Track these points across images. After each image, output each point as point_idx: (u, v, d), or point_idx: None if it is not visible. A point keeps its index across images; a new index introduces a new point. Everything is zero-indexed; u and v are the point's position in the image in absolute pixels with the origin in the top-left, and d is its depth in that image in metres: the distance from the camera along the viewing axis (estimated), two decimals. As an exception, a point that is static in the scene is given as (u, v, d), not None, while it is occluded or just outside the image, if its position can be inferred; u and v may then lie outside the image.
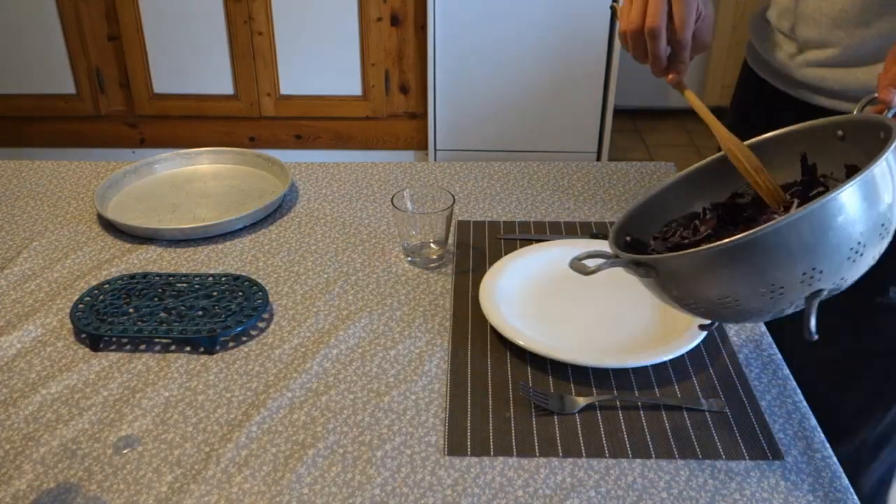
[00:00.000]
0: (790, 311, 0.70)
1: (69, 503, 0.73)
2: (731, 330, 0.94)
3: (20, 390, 0.86)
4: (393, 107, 3.18)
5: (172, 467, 0.76)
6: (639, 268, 0.73)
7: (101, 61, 3.10)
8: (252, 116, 3.19)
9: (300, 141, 3.26)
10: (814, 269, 0.65)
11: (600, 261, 0.74)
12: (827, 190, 0.73)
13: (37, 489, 0.74)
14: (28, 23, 3.02)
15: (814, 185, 0.80)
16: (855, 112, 0.78)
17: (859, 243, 0.65)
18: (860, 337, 1.03)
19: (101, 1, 2.98)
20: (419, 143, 3.27)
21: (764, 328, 0.95)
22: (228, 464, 0.76)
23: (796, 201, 0.75)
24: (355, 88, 3.14)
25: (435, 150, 3.20)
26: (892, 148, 0.66)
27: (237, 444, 0.78)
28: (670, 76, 0.89)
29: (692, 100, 0.87)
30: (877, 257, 0.70)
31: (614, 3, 0.96)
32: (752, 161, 0.80)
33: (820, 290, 0.67)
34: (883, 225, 0.67)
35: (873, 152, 0.67)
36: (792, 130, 0.83)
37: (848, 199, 0.64)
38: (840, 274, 0.67)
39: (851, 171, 0.75)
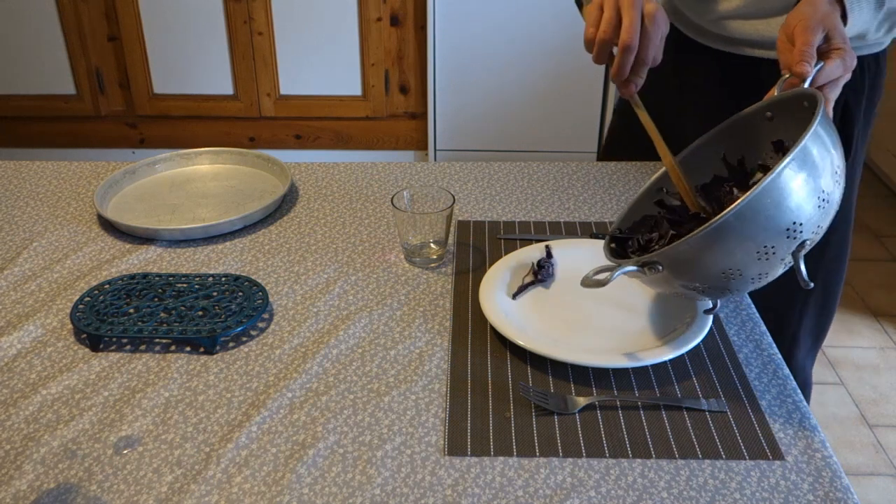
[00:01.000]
0: (781, 269, 0.78)
1: (69, 503, 0.73)
2: (731, 330, 0.94)
3: (20, 391, 0.86)
4: (393, 107, 3.18)
5: (172, 467, 0.76)
6: (646, 268, 0.79)
7: (101, 61, 3.10)
8: (252, 116, 3.20)
9: (300, 141, 3.26)
10: (794, 223, 0.74)
11: (608, 273, 0.79)
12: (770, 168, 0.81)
13: (37, 489, 0.74)
14: (28, 23, 3.02)
15: (746, 176, 0.90)
16: (776, 92, 0.87)
17: (823, 191, 0.75)
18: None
19: (101, 1, 2.98)
20: (419, 143, 3.27)
21: (764, 328, 0.95)
22: (229, 464, 0.76)
23: (759, 174, 0.81)
24: (355, 88, 3.14)
25: (435, 150, 3.20)
26: (822, 106, 0.76)
27: (237, 444, 0.78)
28: (629, 89, 0.93)
29: (643, 117, 0.93)
30: (839, 201, 0.78)
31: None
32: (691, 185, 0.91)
33: (803, 242, 0.75)
34: (836, 172, 0.76)
35: (803, 122, 0.77)
36: (720, 129, 0.93)
37: (806, 155, 0.74)
38: (815, 222, 0.75)
39: (780, 147, 0.88)
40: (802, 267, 0.76)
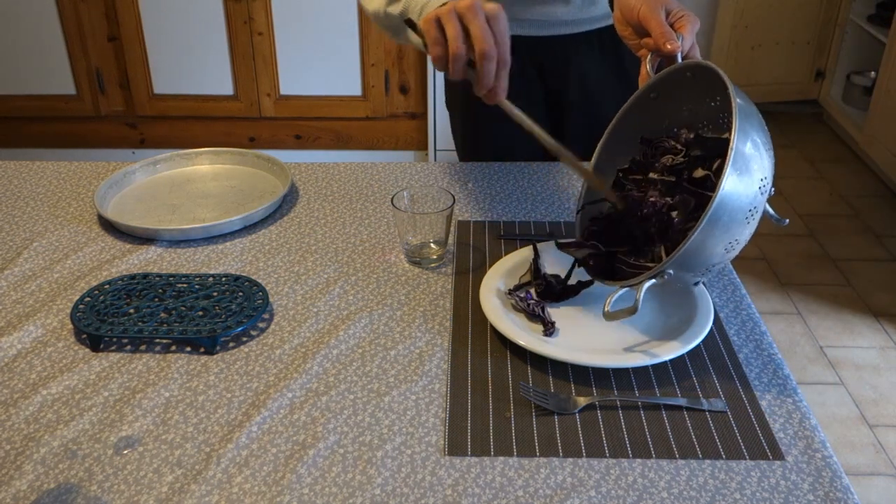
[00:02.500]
0: (759, 218, 0.85)
1: (69, 503, 0.73)
2: (731, 330, 0.94)
3: (21, 391, 0.86)
4: (393, 107, 3.18)
5: (173, 467, 0.76)
6: (660, 277, 0.84)
7: (101, 62, 3.10)
8: (252, 117, 3.20)
9: (300, 141, 3.26)
10: (761, 178, 0.82)
11: (636, 304, 0.83)
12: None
13: (37, 489, 0.74)
14: (28, 23, 3.02)
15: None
16: (650, 74, 0.95)
17: (762, 140, 0.83)
18: None
19: (101, 1, 2.98)
20: (419, 143, 3.27)
21: (764, 328, 0.95)
22: (229, 464, 0.76)
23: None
24: (355, 88, 3.14)
25: (435, 150, 3.20)
26: (731, 85, 0.84)
27: (237, 444, 0.78)
28: (498, 96, 0.93)
29: (521, 119, 0.96)
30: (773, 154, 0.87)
31: (410, 18, 1.00)
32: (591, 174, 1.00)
33: (771, 190, 0.84)
34: (760, 121, 0.85)
35: (691, 93, 0.93)
36: (615, 124, 1.00)
37: (746, 117, 0.82)
38: (769, 168, 0.84)
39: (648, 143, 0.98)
40: (770, 209, 0.86)
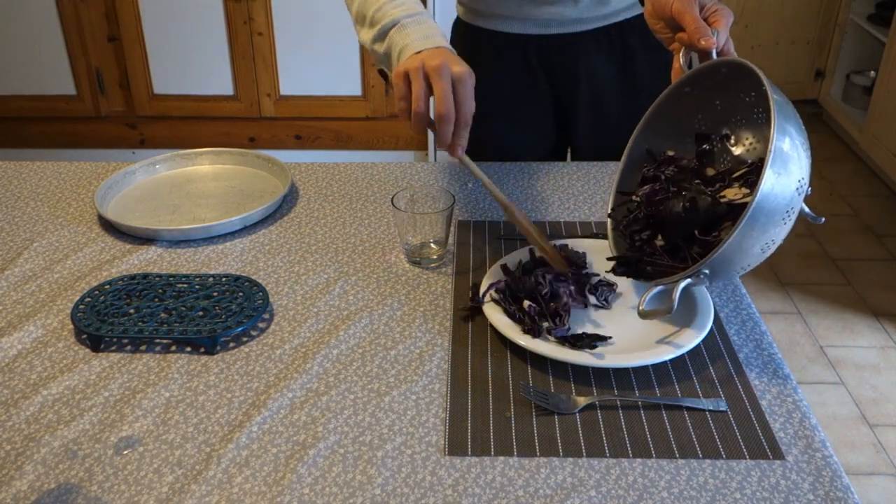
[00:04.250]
0: (795, 218, 0.85)
1: (70, 503, 0.73)
2: (731, 330, 0.94)
3: (21, 391, 0.86)
4: (393, 107, 3.18)
5: (173, 468, 0.76)
6: (696, 277, 0.85)
7: (101, 62, 3.10)
8: (252, 117, 3.20)
9: (300, 141, 3.26)
10: (798, 179, 0.82)
11: (672, 302, 0.84)
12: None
13: (38, 490, 0.74)
14: (28, 23, 3.02)
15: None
16: (684, 68, 0.96)
17: (801, 140, 0.83)
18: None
19: (101, 1, 2.98)
20: (419, 143, 3.27)
21: (764, 328, 0.95)
22: (229, 464, 0.76)
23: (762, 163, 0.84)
24: (355, 88, 3.14)
25: (435, 150, 3.20)
26: (768, 82, 0.84)
27: (238, 444, 0.78)
28: (456, 152, 0.97)
29: (478, 174, 1.01)
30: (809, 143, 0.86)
31: (382, 69, 1.02)
32: (537, 230, 1.01)
33: (808, 189, 0.84)
34: (798, 120, 0.84)
35: (722, 86, 0.93)
36: (648, 117, 1.00)
37: (785, 117, 0.82)
38: (807, 169, 0.83)
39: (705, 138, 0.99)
40: (806, 208, 0.86)
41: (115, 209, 1.20)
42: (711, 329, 0.93)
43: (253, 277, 1.03)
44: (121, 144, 3.29)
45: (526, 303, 0.92)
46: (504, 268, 1.01)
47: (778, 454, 0.77)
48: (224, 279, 1.01)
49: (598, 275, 1.00)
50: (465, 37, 1.40)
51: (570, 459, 0.77)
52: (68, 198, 1.24)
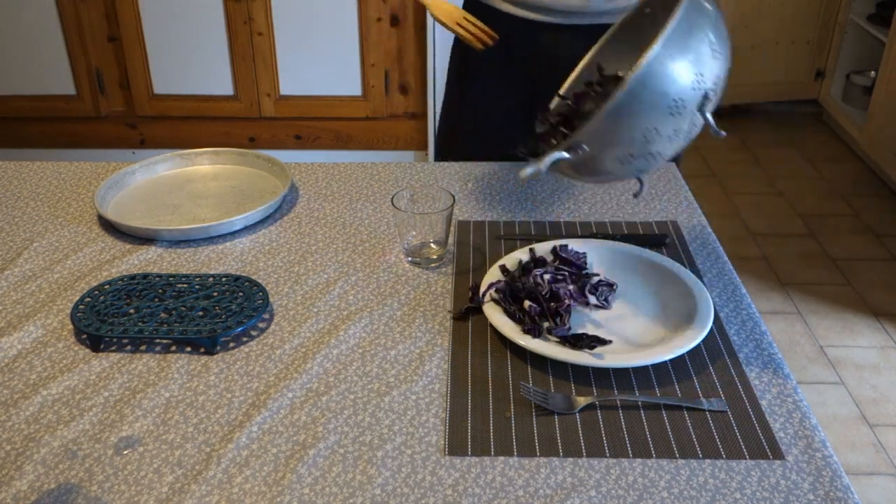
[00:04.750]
0: (696, 130, 0.86)
1: (70, 503, 0.73)
2: (731, 330, 0.94)
3: (21, 391, 0.86)
4: (393, 107, 3.18)
5: (173, 468, 0.76)
6: (572, 151, 0.86)
7: (101, 62, 3.10)
8: (252, 117, 3.19)
9: (300, 141, 3.26)
10: (696, 73, 0.81)
11: (541, 163, 0.87)
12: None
13: (38, 490, 0.74)
14: (28, 23, 3.02)
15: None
16: None
17: (713, 41, 0.83)
18: None
19: (101, 1, 2.98)
20: (419, 143, 3.27)
21: (764, 328, 0.95)
22: (229, 464, 0.76)
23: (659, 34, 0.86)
24: (355, 88, 3.14)
25: (435, 150, 3.19)
26: None
27: (238, 444, 0.78)
28: None
29: None
30: (730, 56, 0.86)
31: None
32: (455, 14, 1.11)
33: (706, 95, 0.83)
34: (720, 21, 0.85)
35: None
36: (606, 38, 1.03)
37: (689, 8, 0.82)
38: (714, 72, 0.83)
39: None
40: (710, 118, 0.84)
41: (115, 209, 1.20)
42: (711, 329, 0.93)
43: (253, 277, 1.03)
44: (121, 144, 3.29)
45: (526, 303, 0.92)
46: (504, 268, 1.01)
47: (778, 454, 0.77)
48: (224, 279, 1.00)
49: (598, 275, 1.00)
50: (472, 10, 1.40)
51: (570, 459, 0.77)
52: (68, 198, 1.24)
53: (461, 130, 1.47)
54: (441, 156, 1.54)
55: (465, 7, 1.46)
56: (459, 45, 1.45)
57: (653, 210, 1.20)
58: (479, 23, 1.25)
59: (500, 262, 1.02)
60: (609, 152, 0.88)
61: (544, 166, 0.86)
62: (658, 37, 0.79)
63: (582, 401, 0.83)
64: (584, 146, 0.86)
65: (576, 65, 1.34)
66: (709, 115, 0.85)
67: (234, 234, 1.14)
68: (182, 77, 3.12)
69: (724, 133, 0.85)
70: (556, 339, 0.90)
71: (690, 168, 3.31)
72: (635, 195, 0.99)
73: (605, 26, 1.32)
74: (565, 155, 0.87)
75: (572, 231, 1.14)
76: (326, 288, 1.02)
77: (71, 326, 0.95)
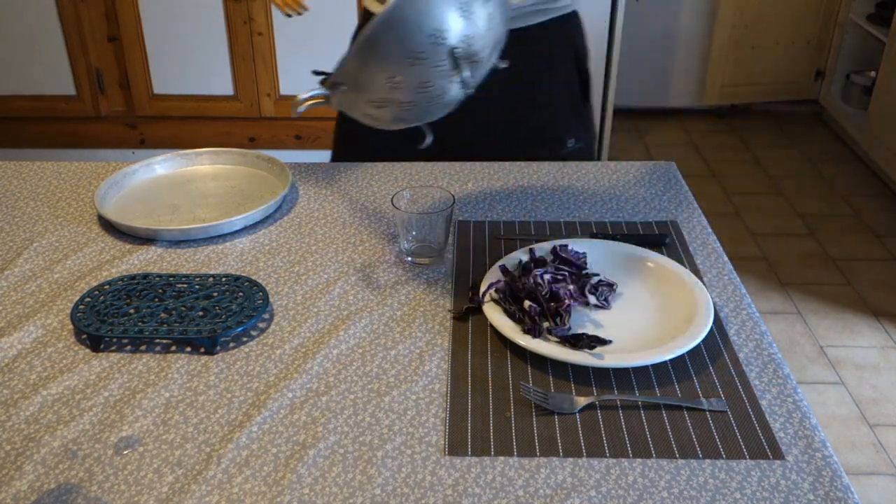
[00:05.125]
0: (456, 85, 0.90)
1: (70, 503, 0.73)
2: (731, 330, 0.94)
3: (21, 391, 0.86)
4: (393, 107, 3.18)
5: (173, 468, 0.76)
6: (332, 89, 0.93)
7: (101, 62, 3.10)
8: (252, 117, 3.19)
9: (300, 141, 3.26)
10: (436, 29, 0.85)
11: (309, 95, 0.96)
12: None
13: (37, 490, 0.74)
14: (28, 23, 3.02)
15: None
16: None
17: (466, 2, 0.86)
18: None
19: (101, 1, 2.98)
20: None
21: (764, 328, 0.95)
22: (229, 464, 0.76)
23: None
24: (355, 88, 3.13)
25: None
26: None
27: (238, 444, 0.78)
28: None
29: None
30: (497, 18, 0.90)
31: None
32: None
33: (454, 48, 0.87)
34: (489, 15, 0.88)
35: None
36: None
37: None
38: (462, 31, 0.87)
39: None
40: (467, 70, 0.89)
41: (115, 209, 1.20)
42: (711, 329, 0.93)
43: (253, 277, 1.03)
44: (121, 144, 3.29)
45: (527, 303, 0.92)
46: (504, 268, 1.01)
47: (778, 454, 0.77)
48: (224, 279, 1.00)
49: (598, 275, 1.00)
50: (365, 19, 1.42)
51: (570, 459, 0.77)
52: (68, 198, 1.24)
53: (356, 129, 1.43)
54: (337, 156, 1.50)
55: (362, 20, 1.46)
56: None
57: (653, 210, 1.20)
58: None
59: (500, 262, 1.02)
60: (363, 95, 0.93)
61: (300, 104, 0.95)
62: None
63: (582, 401, 0.83)
64: (343, 86, 0.92)
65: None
66: (465, 67, 0.89)
67: (234, 234, 1.14)
68: (182, 77, 3.11)
69: (471, 88, 0.92)
70: (556, 339, 0.90)
71: (690, 168, 3.31)
72: (420, 146, 1.01)
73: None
74: (325, 91, 0.95)
75: (572, 231, 1.14)
76: (326, 288, 1.02)
77: (71, 326, 0.95)
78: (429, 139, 1.01)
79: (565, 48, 1.34)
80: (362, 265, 1.07)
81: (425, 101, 0.92)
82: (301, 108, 0.96)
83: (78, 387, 0.86)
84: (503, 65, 0.98)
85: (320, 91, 0.95)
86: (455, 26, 0.86)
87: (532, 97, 1.33)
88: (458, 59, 0.88)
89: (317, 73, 1.04)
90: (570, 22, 1.35)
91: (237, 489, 0.74)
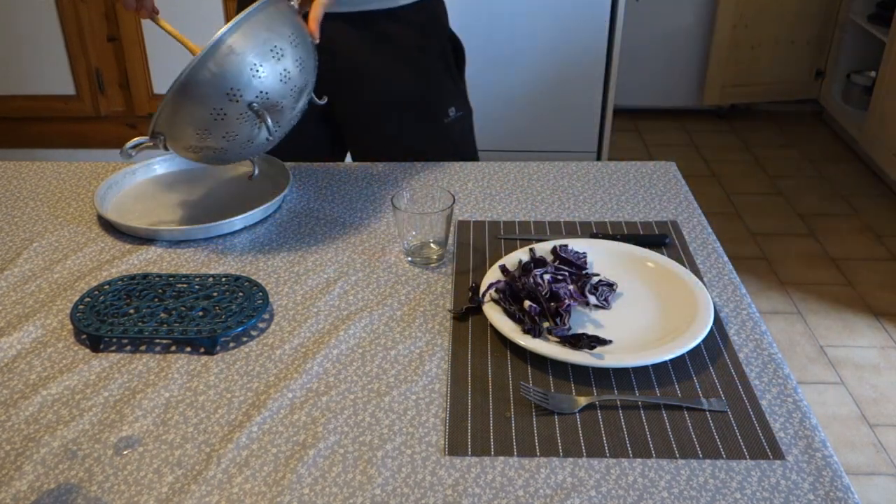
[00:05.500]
0: (263, 131, 1.04)
1: (69, 503, 0.73)
2: (731, 330, 0.94)
3: (20, 391, 0.86)
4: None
5: (173, 468, 0.76)
6: (154, 139, 1.05)
7: (101, 62, 3.10)
8: (252, 117, 3.19)
9: (300, 141, 3.25)
10: (231, 88, 0.99)
11: (135, 143, 1.07)
12: None
13: (37, 490, 0.74)
14: (28, 23, 3.02)
15: None
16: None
17: (255, 64, 0.99)
18: (432, 142, 1.43)
19: (101, 1, 2.98)
20: (419, 143, 3.27)
21: (764, 328, 0.95)
22: (229, 464, 0.76)
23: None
24: (355, 88, 3.13)
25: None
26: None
27: (238, 444, 0.78)
28: (141, 12, 1.21)
29: (169, 28, 1.25)
30: (293, 72, 1.03)
31: None
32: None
33: (251, 103, 1.00)
34: (272, 50, 1.01)
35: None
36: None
37: (230, 39, 0.98)
38: (257, 88, 1.00)
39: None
40: (268, 121, 1.01)
41: (114, 209, 1.20)
42: (711, 329, 0.93)
43: (253, 277, 1.03)
44: (121, 144, 3.27)
45: (527, 303, 0.92)
46: (504, 268, 1.01)
47: (778, 454, 0.77)
48: (224, 279, 1.00)
49: (598, 275, 1.00)
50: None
51: (570, 459, 0.77)
52: (68, 198, 1.24)
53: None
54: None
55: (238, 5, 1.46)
56: None
57: (653, 210, 1.20)
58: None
59: (500, 262, 1.02)
60: (179, 142, 1.04)
61: (131, 146, 1.05)
62: (192, 62, 0.96)
63: (582, 401, 0.83)
64: (162, 136, 1.03)
65: (353, 57, 1.35)
66: (267, 118, 1.01)
67: (234, 234, 1.14)
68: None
69: (275, 132, 1.04)
70: (556, 339, 0.90)
71: (690, 168, 3.31)
72: (250, 177, 1.15)
73: (376, 12, 1.35)
74: (144, 140, 1.05)
75: (572, 231, 1.14)
76: (326, 288, 1.02)
77: (71, 326, 0.95)
78: (256, 173, 1.15)
79: (436, 24, 1.42)
80: (362, 265, 1.07)
81: (236, 147, 1.05)
82: (132, 154, 1.06)
83: (78, 387, 0.86)
84: (321, 102, 1.12)
85: (144, 139, 1.06)
86: (249, 84, 0.99)
87: (412, 69, 1.39)
88: (257, 111, 1.00)
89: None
90: (435, 0, 1.44)
91: (237, 489, 0.74)
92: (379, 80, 1.38)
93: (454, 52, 1.46)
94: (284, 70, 1.02)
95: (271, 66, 1.00)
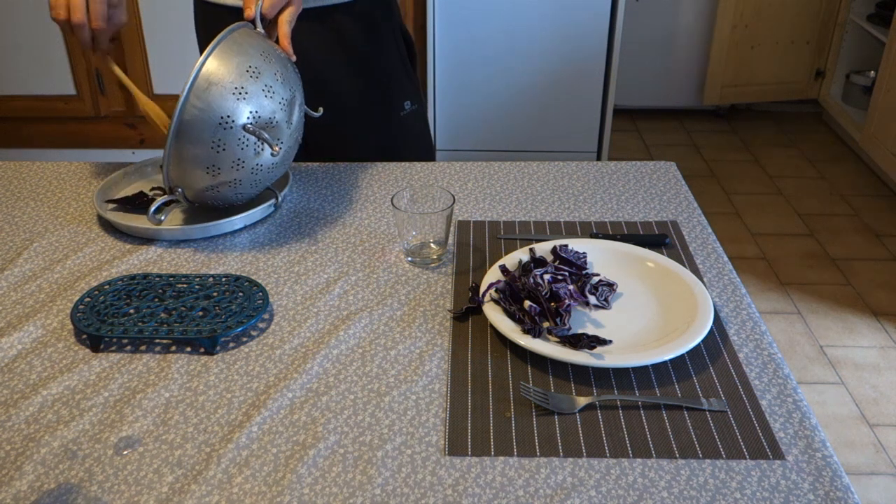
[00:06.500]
0: (266, 151, 1.06)
1: (70, 503, 0.73)
2: (731, 330, 0.94)
3: (21, 391, 0.86)
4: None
5: (173, 468, 0.76)
6: (175, 194, 1.07)
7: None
8: (252, 117, 3.19)
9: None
10: (221, 117, 1.01)
11: (160, 203, 1.07)
12: None
13: (37, 490, 0.74)
14: (28, 23, 3.02)
15: None
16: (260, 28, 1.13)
17: (238, 87, 1.03)
18: (389, 136, 1.47)
19: (100, 1, 2.98)
20: (419, 143, 3.26)
21: (764, 328, 0.95)
22: (229, 464, 0.76)
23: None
24: (355, 88, 3.13)
25: (434, 149, 3.19)
26: (231, 29, 1.07)
27: (238, 444, 0.79)
28: (97, 57, 1.16)
29: (117, 72, 1.25)
30: (275, 87, 1.05)
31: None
32: (164, 119, 1.18)
33: (244, 125, 1.02)
34: (248, 69, 1.04)
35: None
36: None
37: (204, 71, 1.05)
38: (247, 109, 1.02)
39: None
40: (265, 135, 1.03)
41: (114, 209, 1.20)
42: (711, 329, 0.93)
43: (253, 277, 1.03)
44: (121, 144, 3.29)
45: (526, 303, 0.92)
46: (504, 268, 1.01)
47: (778, 454, 0.77)
48: (224, 279, 1.01)
49: (598, 275, 1.00)
50: (199, 16, 1.51)
51: (570, 459, 0.77)
52: (68, 198, 1.24)
53: None
54: None
55: (195, 14, 1.54)
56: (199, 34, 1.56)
57: (653, 210, 1.20)
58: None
59: (500, 262, 1.02)
60: (197, 188, 1.06)
61: (156, 208, 1.06)
62: (178, 102, 1.00)
63: (582, 401, 0.83)
64: (180, 189, 1.06)
65: (308, 55, 1.36)
66: (263, 134, 1.03)
67: (234, 234, 1.14)
68: (182, 77, 3.11)
69: (279, 150, 1.06)
70: (556, 339, 0.90)
71: (690, 168, 3.31)
72: (275, 206, 1.17)
73: (331, 6, 1.36)
74: (171, 196, 1.07)
75: (572, 231, 1.14)
76: (326, 288, 1.02)
77: (71, 326, 0.95)
78: (280, 201, 1.17)
79: (389, 19, 1.44)
80: (362, 265, 1.07)
81: (248, 174, 1.07)
82: (162, 217, 1.07)
83: (78, 387, 0.86)
84: (316, 115, 1.15)
85: (169, 197, 1.07)
86: (237, 108, 1.01)
87: (368, 64, 1.41)
88: (253, 131, 1.02)
89: (155, 187, 1.21)
90: None
91: (237, 489, 0.74)
92: (335, 79, 1.40)
93: (406, 45, 1.49)
94: (266, 86, 1.05)
95: (253, 85, 1.03)
